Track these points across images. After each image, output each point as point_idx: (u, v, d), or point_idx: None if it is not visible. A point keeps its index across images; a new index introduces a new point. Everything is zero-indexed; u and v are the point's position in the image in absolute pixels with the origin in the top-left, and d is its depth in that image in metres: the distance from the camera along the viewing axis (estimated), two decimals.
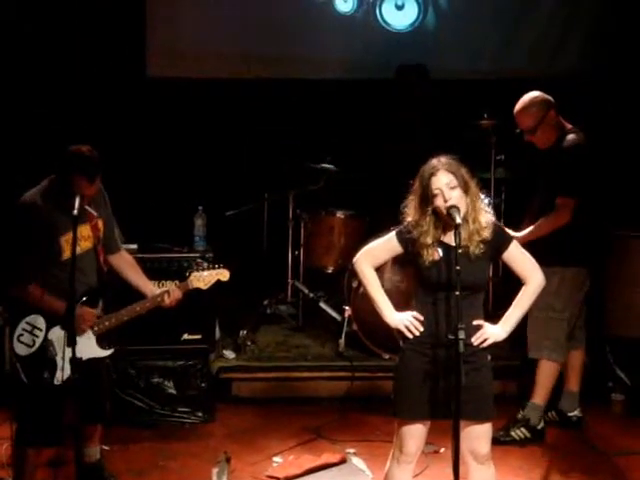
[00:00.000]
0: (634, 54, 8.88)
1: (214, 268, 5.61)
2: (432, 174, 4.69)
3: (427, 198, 4.69)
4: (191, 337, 6.97)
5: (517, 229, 6.22)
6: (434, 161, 4.74)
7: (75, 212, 5.04)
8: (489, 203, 5.95)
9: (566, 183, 6.22)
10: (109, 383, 5.82)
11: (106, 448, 6.00)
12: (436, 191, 4.67)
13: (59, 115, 8.16)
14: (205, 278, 5.58)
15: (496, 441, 6.10)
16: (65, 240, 5.23)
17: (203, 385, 6.95)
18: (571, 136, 6.33)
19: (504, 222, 7.34)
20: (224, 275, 5.63)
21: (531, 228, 6.25)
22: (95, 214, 5.37)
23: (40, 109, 7.99)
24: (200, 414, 6.89)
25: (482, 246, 4.72)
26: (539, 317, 6.27)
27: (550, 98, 6.40)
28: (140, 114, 8.60)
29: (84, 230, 5.31)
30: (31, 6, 8.40)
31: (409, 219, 4.78)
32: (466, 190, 4.71)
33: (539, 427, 6.50)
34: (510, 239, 4.84)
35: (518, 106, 6.41)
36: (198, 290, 5.61)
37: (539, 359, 6.43)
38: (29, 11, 8.39)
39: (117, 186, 7.85)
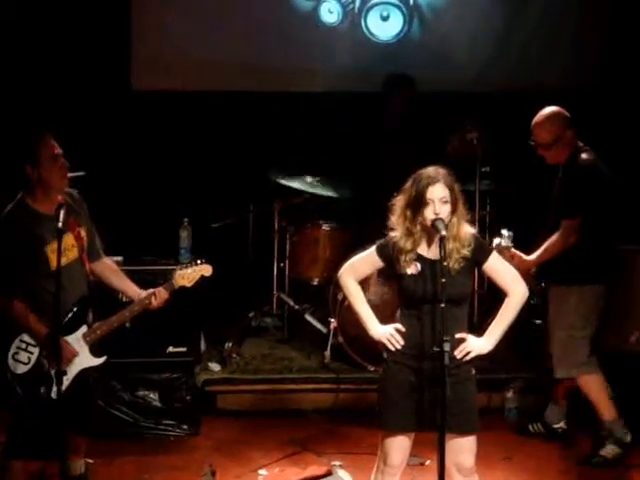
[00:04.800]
0: (620, 67, 8.91)
1: (196, 264, 5.59)
2: (430, 183, 4.71)
3: (418, 204, 4.71)
4: (176, 350, 6.96)
5: (527, 249, 6.23)
6: (433, 170, 4.76)
7: (60, 224, 5.03)
8: (509, 237, 6.00)
9: (571, 205, 6.15)
10: (95, 395, 5.80)
11: (90, 461, 5.97)
12: (429, 200, 4.69)
13: (43, 128, 8.11)
14: (189, 275, 5.55)
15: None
16: (50, 250, 5.21)
17: (188, 398, 6.93)
18: (583, 156, 6.24)
19: (489, 234, 7.41)
20: (207, 270, 5.60)
21: (539, 252, 6.20)
22: (72, 198, 5.35)
23: (23, 122, 7.94)
24: (185, 427, 6.87)
25: (462, 260, 4.74)
26: (561, 336, 6.23)
27: (568, 115, 6.28)
28: (125, 126, 8.58)
29: (68, 239, 5.29)
30: (16, 16, 8.37)
31: (393, 218, 4.81)
32: (454, 208, 4.74)
33: (627, 440, 6.34)
34: (490, 250, 4.87)
35: (537, 119, 6.30)
36: (183, 288, 5.57)
37: (577, 379, 6.32)
38: (14, 21, 8.36)
39: (103, 198, 7.87)
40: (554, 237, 6.18)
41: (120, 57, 8.67)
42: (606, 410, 6.31)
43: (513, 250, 6.13)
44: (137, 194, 8.55)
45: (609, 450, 6.33)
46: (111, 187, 8.27)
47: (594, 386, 6.31)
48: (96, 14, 8.50)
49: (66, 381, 5.26)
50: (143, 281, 6.66)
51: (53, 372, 5.21)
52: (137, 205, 8.51)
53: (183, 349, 6.97)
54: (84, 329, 5.39)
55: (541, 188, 8.45)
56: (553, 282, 6.33)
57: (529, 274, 6.26)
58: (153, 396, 6.90)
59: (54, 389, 5.22)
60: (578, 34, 9.10)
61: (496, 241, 6.09)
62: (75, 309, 5.33)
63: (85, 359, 5.38)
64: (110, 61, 8.57)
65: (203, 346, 7.37)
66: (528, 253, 6.25)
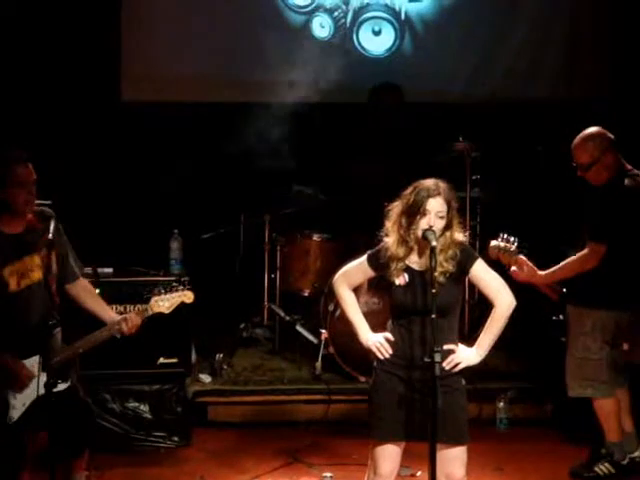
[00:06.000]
0: (610, 79, 8.95)
1: (176, 290, 5.40)
2: (430, 195, 4.71)
3: (414, 213, 4.71)
4: (167, 361, 6.93)
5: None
6: (434, 183, 4.75)
7: (50, 236, 4.98)
8: (513, 241, 5.95)
9: (598, 229, 5.99)
10: (87, 411, 5.69)
11: None
12: (426, 211, 4.70)
13: (32, 140, 8.07)
14: (167, 301, 5.36)
15: (579, 476, 6.16)
16: (10, 272, 5.09)
17: (179, 409, 6.91)
18: (627, 181, 6.07)
19: (479, 243, 7.42)
20: (188, 297, 5.42)
21: (556, 268, 6.10)
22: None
23: (11, 136, 7.92)
24: (176, 438, 6.85)
25: (446, 273, 4.74)
26: (577, 357, 6.14)
27: (611, 138, 6.09)
28: (115, 138, 8.58)
29: (34, 259, 5.14)
30: (4, 28, 8.37)
31: (388, 224, 4.81)
32: (448, 225, 4.75)
33: (624, 462, 6.28)
34: (475, 257, 4.84)
35: (576, 140, 6.12)
36: (161, 315, 5.39)
37: (592, 400, 6.21)
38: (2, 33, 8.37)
39: (93, 210, 7.86)
40: (574, 257, 6.05)
41: (110, 69, 8.68)
42: (612, 433, 6.24)
43: (523, 258, 6.05)
44: (128, 205, 8.54)
45: (603, 468, 6.28)
46: (102, 198, 8.26)
47: (606, 410, 6.20)
48: (86, 29, 8.50)
49: (22, 407, 5.11)
50: (132, 293, 6.69)
51: (11, 396, 5.10)
52: (128, 216, 8.50)
53: (174, 360, 6.94)
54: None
55: (529, 198, 8.58)
56: (573, 303, 6.19)
57: (553, 289, 6.26)
58: (144, 408, 6.87)
59: (10, 414, 5.10)
60: (566, 46, 9.15)
61: (494, 242, 6.01)
62: (35, 333, 5.10)
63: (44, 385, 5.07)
64: (100, 74, 8.57)
65: (194, 357, 7.35)
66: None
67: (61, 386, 5.17)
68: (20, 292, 5.10)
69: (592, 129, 6.16)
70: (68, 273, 5.38)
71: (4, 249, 5.12)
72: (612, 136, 6.13)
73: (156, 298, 5.37)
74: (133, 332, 5.33)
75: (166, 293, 5.38)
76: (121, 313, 5.54)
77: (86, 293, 5.45)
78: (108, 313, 5.40)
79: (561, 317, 6.32)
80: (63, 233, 5.36)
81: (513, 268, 6.05)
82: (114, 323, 5.30)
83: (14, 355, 5.10)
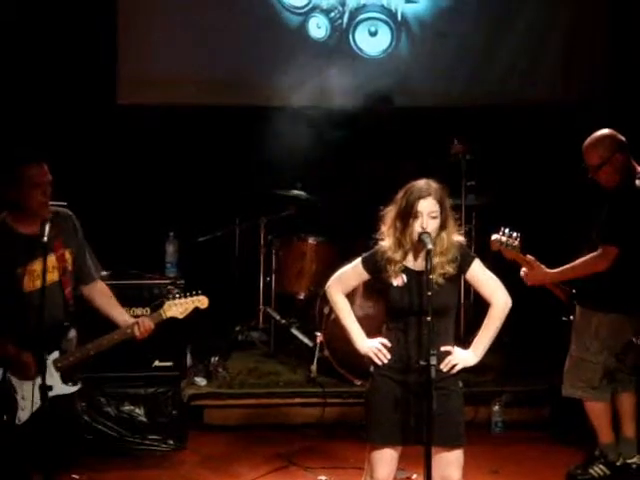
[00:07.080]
0: (608, 82, 8.96)
1: (191, 295, 5.38)
2: (420, 197, 4.70)
3: (407, 216, 4.71)
4: (162, 364, 6.92)
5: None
6: (425, 184, 4.74)
7: (45, 239, 4.97)
8: (516, 237, 5.95)
9: (611, 231, 5.97)
10: (77, 419, 5.66)
11: (76, 477, 5.94)
12: (418, 214, 4.69)
13: (28, 142, 8.10)
14: (182, 306, 5.35)
15: (574, 479, 6.18)
16: (24, 272, 5.08)
17: (174, 412, 6.90)
18: (638, 183, 6.06)
19: (475, 249, 7.42)
20: (202, 302, 5.40)
21: (565, 268, 6.09)
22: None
23: (8, 139, 7.92)
24: (171, 442, 6.84)
25: (446, 274, 4.74)
26: (575, 356, 6.16)
27: (621, 139, 6.07)
28: (111, 141, 8.56)
29: (49, 261, 5.10)
30: (2, 32, 8.37)
31: (383, 228, 4.81)
32: (444, 224, 4.74)
33: (618, 463, 6.27)
34: (472, 257, 4.84)
35: (587, 141, 6.10)
36: (174, 319, 5.38)
37: (583, 401, 6.23)
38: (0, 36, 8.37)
39: (89, 213, 7.81)
40: (586, 258, 6.03)
41: (106, 73, 8.67)
42: (603, 435, 6.25)
43: (530, 257, 6.06)
44: (123, 208, 8.52)
45: (598, 470, 6.27)
46: (98, 201, 8.24)
47: (596, 413, 6.21)
48: (82, 32, 8.49)
49: (31, 408, 5.09)
50: (128, 296, 6.68)
51: (19, 397, 5.10)
52: (123, 219, 8.48)
53: (169, 363, 6.94)
54: (56, 355, 5.18)
55: (527, 201, 8.59)
56: (581, 303, 6.19)
57: (562, 289, 6.25)
58: (139, 411, 6.86)
59: (19, 415, 5.09)
60: (562, 50, 9.15)
61: (495, 236, 6.01)
62: (48, 333, 5.08)
63: (55, 386, 5.11)
64: (96, 77, 8.56)
65: (189, 360, 7.35)
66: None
67: (71, 389, 5.21)
68: (34, 292, 5.09)
69: (603, 131, 6.14)
70: (84, 274, 5.36)
71: (19, 249, 5.11)
72: (623, 138, 6.11)
73: (169, 303, 5.36)
74: (145, 336, 5.31)
75: (180, 298, 5.36)
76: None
77: (101, 295, 5.41)
78: (121, 317, 5.35)
79: (571, 318, 6.31)
80: (81, 234, 5.36)
81: (523, 269, 6.08)
82: (127, 327, 5.28)
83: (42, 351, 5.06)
